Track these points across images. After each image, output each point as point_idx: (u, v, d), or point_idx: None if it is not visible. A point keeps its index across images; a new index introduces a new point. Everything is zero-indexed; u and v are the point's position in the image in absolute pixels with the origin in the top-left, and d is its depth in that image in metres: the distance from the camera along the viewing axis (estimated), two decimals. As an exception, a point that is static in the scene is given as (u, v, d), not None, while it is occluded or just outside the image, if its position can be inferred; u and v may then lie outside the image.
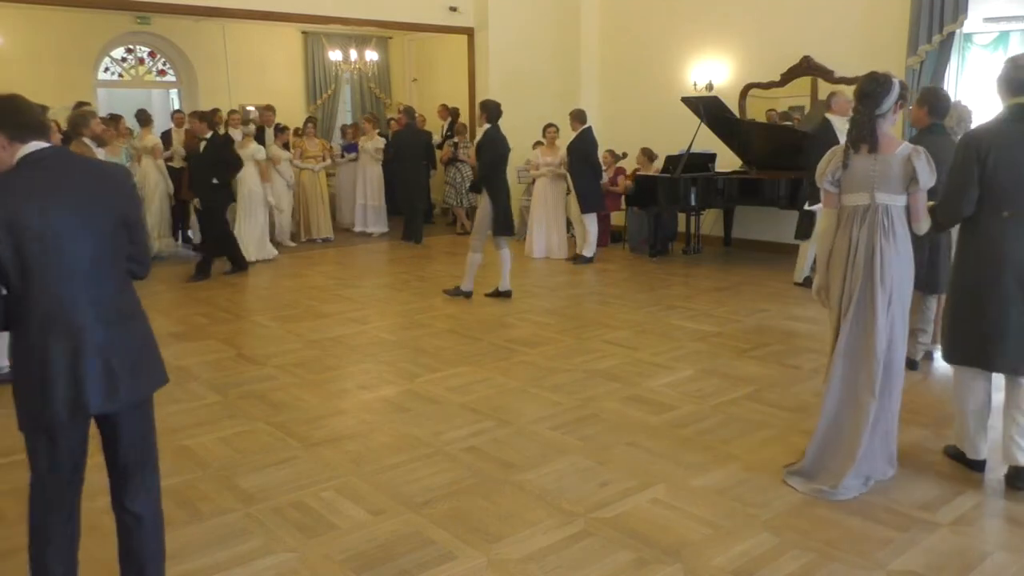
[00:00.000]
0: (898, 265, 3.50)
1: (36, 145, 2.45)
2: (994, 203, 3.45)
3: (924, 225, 3.59)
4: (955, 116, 5.17)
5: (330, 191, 11.85)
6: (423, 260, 9.68)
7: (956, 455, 3.84)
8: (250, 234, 9.53)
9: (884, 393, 3.55)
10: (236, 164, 9.00)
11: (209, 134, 8.79)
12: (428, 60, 14.72)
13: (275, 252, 9.94)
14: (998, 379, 3.67)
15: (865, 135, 3.50)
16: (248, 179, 9.46)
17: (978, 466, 3.72)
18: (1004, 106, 3.54)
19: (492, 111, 7.37)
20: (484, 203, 7.33)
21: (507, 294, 7.54)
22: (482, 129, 7.49)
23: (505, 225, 7.38)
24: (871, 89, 3.50)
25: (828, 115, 7.27)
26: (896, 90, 3.50)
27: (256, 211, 9.61)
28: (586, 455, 3.98)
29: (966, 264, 3.59)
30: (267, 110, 11.14)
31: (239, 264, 8.97)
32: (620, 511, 3.40)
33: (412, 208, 11.08)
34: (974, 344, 3.54)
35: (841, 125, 6.73)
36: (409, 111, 11.57)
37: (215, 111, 11.27)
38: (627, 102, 11.23)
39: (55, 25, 11.56)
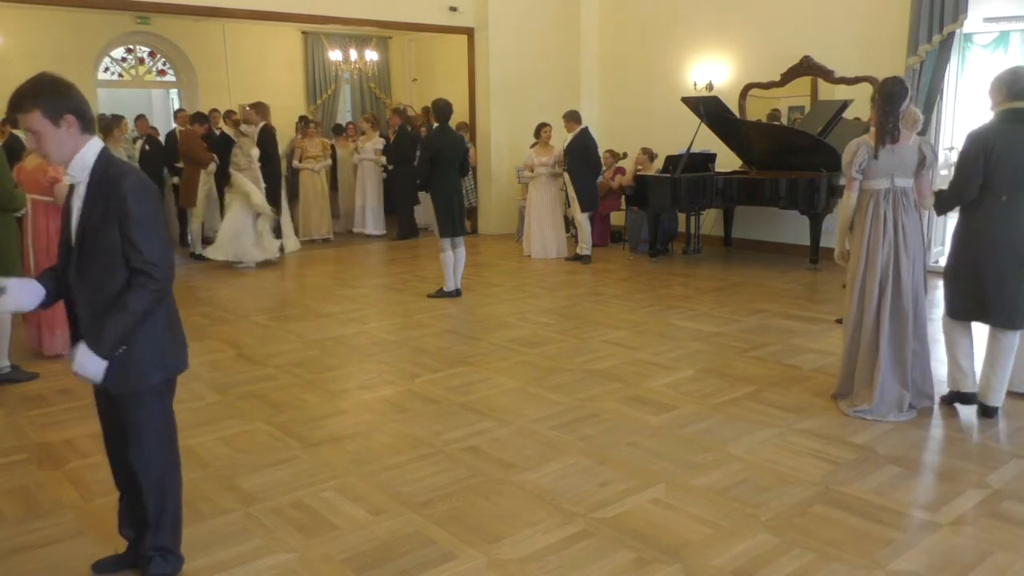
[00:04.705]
0: (915, 236, 4.33)
1: (99, 142, 2.68)
2: (995, 190, 4.15)
3: (928, 202, 4.38)
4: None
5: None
6: (423, 260, 9.67)
7: (952, 398, 4.50)
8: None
9: (916, 337, 4.36)
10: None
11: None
12: (428, 60, 14.73)
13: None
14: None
15: (892, 130, 4.21)
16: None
17: (971, 398, 4.42)
18: (999, 109, 4.19)
19: (439, 110, 7.43)
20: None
21: (452, 294, 7.54)
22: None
23: (448, 227, 7.37)
24: (899, 90, 4.20)
25: None
26: (909, 91, 4.27)
27: None
28: (586, 455, 3.98)
29: (968, 239, 4.29)
30: (253, 108, 10.12)
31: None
32: (620, 511, 3.39)
33: (406, 207, 11.22)
34: (975, 303, 4.28)
35: None
36: (400, 111, 11.57)
37: (212, 111, 11.30)
38: (627, 102, 11.23)
39: (55, 25, 11.57)
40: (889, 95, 4.19)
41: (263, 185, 9.27)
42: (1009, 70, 4.22)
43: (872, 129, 4.48)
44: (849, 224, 4.45)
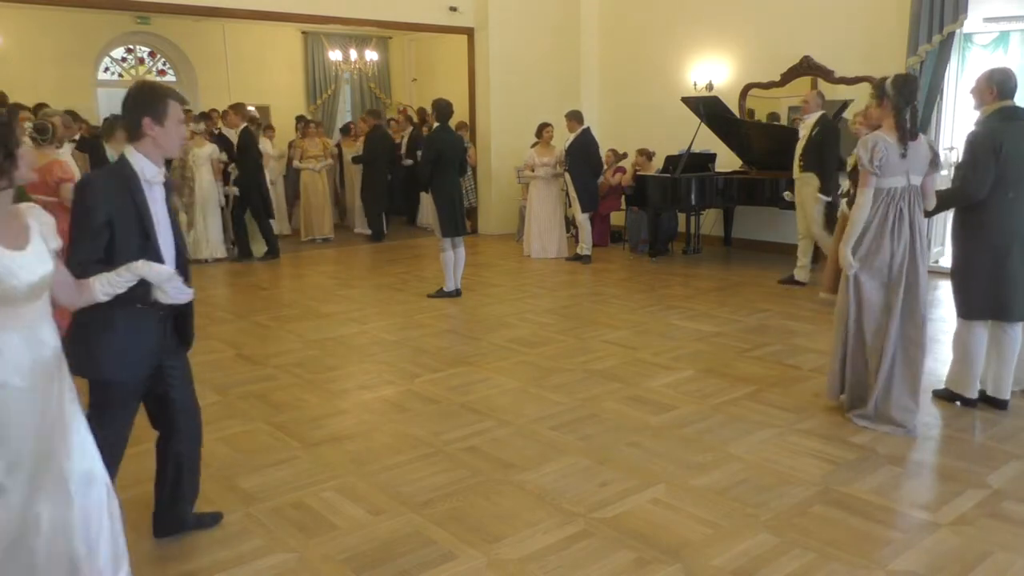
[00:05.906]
0: (924, 235, 4.27)
1: None
2: (1003, 187, 4.19)
3: (931, 202, 4.30)
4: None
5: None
6: (423, 260, 9.67)
7: (949, 396, 4.56)
8: None
9: (922, 339, 4.27)
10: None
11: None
12: (428, 60, 14.73)
13: None
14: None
15: (914, 128, 4.12)
16: None
17: (972, 403, 4.47)
18: (992, 108, 4.23)
19: (440, 110, 7.44)
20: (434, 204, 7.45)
21: (452, 294, 7.54)
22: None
23: (449, 227, 7.37)
24: (915, 87, 4.17)
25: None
26: None
27: None
28: (586, 455, 3.98)
29: (977, 238, 4.31)
30: (232, 110, 10.27)
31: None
32: (620, 511, 3.40)
33: (375, 208, 11.28)
34: (991, 300, 4.28)
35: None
36: (375, 113, 11.58)
37: (211, 111, 11.29)
38: (627, 102, 11.23)
39: (55, 25, 11.56)
40: (913, 92, 4.13)
41: (205, 184, 9.44)
42: (999, 70, 4.27)
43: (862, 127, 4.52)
44: (863, 224, 4.16)
